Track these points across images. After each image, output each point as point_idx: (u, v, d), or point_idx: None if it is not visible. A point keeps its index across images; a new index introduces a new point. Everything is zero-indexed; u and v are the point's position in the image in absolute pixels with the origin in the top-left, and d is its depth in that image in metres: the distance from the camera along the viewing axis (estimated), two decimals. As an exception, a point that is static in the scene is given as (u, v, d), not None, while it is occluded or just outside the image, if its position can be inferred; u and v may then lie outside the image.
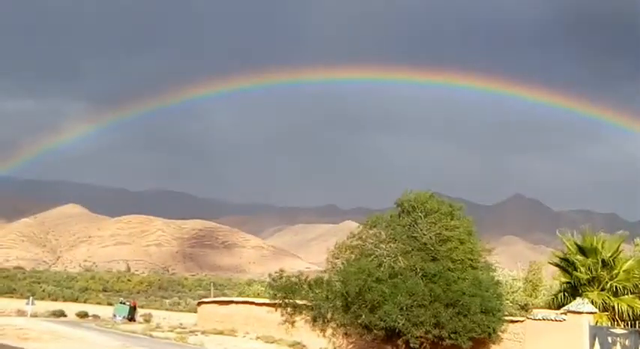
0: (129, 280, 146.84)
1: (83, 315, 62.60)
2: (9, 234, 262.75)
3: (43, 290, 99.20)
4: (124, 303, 61.75)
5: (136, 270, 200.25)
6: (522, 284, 27.23)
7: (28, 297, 61.55)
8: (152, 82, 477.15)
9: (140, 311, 61.90)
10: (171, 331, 41.46)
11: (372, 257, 22.79)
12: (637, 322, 20.83)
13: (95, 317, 61.44)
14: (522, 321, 21.84)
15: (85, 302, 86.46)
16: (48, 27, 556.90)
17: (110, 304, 73.69)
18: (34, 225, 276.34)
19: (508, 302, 23.80)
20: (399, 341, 22.47)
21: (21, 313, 53.57)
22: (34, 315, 51.90)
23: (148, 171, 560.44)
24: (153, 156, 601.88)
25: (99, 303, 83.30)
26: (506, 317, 22.12)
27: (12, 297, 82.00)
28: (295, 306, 24.27)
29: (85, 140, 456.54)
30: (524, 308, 24.20)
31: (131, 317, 56.74)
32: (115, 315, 57.36)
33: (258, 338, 35.52)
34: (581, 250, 22.91)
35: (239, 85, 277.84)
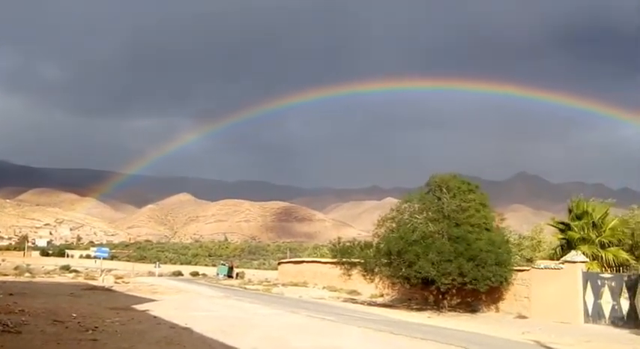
0: (227, 247, 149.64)
1: (195, 274, 64.22)
2: (139, 217, 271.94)
3: (166, 257, 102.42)
4: (224, 264, 62.69)
5: (232, 240, 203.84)
6: (528, 242, 26.60)
7: (155, 262, 63.74)
8: (240, 101, 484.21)
9: (236, 270, 62.91)
10: (259, 284, 42.07)
11: (409, 224, 22.71)
12: (621, 268, 20.13)
13: (204, 275, 62.84)
14: (528, 270, 21.31)
15: (195, 264, 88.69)
16: (166, 63, 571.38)
17: (214, 265, 75.08)
18: (157, 210, 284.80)
19: (517, 256, 23.31)
20: (432, 287, 22.36)
21: (151, 273, 55.34)
22: (160, 275, 53.49)
23: (238, 167, 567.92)
24: (241, 155, 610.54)
25: (206, 265, 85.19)
26: (516, 268, 21.67)
27: (144, 262, 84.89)
28: (351, 263, 24.42)
29: (192, 146, 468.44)
30: (530, 260, 23.62)
31: (230, 275, 57.62)
32: (217, 273, 58.35)
33: (324, 287, 35.74)
34: (576, 215, 22.25)
35: (307, 99, 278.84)
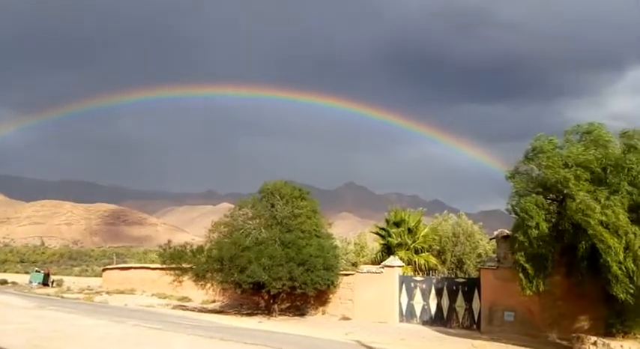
0: (43, 252, 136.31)
1: (3, 282, 56.81)
2: None
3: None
4: (39, 271, 56.78)
5: (50, 245, 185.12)
6: (353, 247, 28.26)
7: (-49, 270, 55.27)
8: (67, 93, 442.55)
9: (53, 278, 57.19)
10: (80, 292, 38.77)
11: (242, 230, 22.70)
12: (430, 271, 22.36)
13: (14, 283, 55.95)
14: (353, 274, 22.59)
15: (5, 271, 78.99)
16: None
17: (27, 273, 67.54)
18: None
19: (343, 260, 24.58)
20: (263, 292, 22.57)
21: (-56, 283, 47.80)
22: (-43, 284, 46.53)
23: (61, 165, 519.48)
24: (66, 152, 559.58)
25: (17, 272, 76.34)
26: (342, 272, 22.81)
27: (-64, 270, 73.20)
28: (182, 269, 23.61)
29: (7, 139, 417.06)
30: (355, 264, 25.10)
31: (45, 283, 52.25)
32: (31, 282, 52.57)
33: (153, 295, 34.12)
34: (394, 222, 24.26)
35: (144, 97, 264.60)
